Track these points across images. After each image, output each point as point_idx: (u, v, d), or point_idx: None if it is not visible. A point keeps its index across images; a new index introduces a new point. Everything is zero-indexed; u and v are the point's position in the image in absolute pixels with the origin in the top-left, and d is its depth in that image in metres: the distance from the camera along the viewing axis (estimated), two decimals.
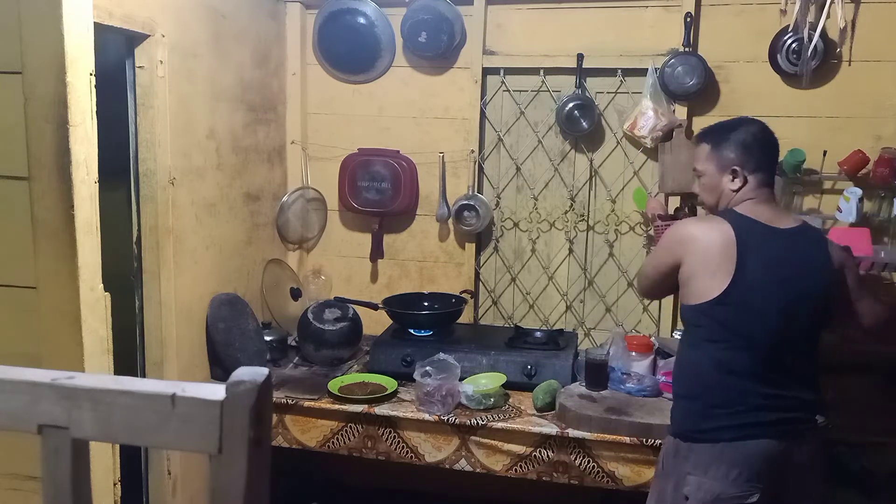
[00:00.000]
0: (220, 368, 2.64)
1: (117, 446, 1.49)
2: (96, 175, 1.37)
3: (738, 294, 1.87)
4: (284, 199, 3.26)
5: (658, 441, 2.28)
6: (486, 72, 3.11)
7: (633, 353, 2.68)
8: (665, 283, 2.06)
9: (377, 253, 3.32)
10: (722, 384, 1.90)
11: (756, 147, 1.99)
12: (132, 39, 2.31)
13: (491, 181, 3.20)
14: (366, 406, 2.51)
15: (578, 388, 2.58)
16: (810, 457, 1.95)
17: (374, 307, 2.92)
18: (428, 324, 2.90)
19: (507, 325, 3.19)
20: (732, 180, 1.98)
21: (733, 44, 2.89)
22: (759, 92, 2.89)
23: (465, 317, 3.12)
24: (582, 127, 3.00)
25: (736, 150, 1.98)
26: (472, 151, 3.13)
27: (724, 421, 1.89)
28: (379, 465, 2.65)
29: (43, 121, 1.29)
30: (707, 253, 1.89)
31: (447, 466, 2.49)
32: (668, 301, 3.04)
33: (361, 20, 3.16)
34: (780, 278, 1.89)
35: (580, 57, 2.97)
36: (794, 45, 2.77)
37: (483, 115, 3.14)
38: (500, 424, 2.41)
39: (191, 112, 2.55)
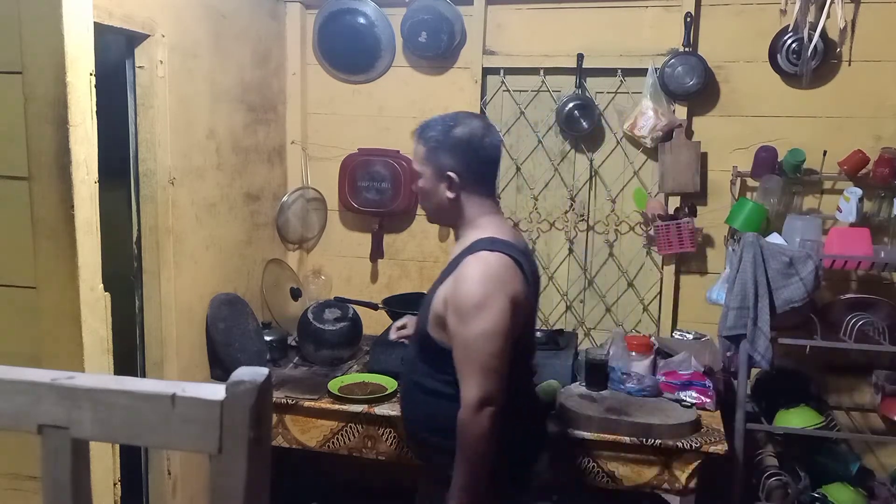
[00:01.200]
0: (220, 368, 2.63)
1: (117, 446, 1.49)
2: (96, 175, 1.37)
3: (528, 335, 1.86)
4: (284, 199, 3.26)
5: (658, 441, 2.29)
6: (486, 72, 3.11)
7: (633, 353, 2.68)
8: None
9: (377, 253, 3.32)
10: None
11: (475, 149, 1.77)
12: (132, 39, 2.31)
13: None
14: (366, 406, 2.51)
15: (578, 388, 2.58)
16: None
17: (374, 307, 2.92)
18: None
19: None
20: (449, 188, 1.78)
21: (733, 44, 2.88)
22: (759, 92, 2.89)
23: None
24: (582, 127, 3.00)
25: (454, 153, 1.76)
26: None
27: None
28: (379, 465, 2.65)
29: (43, 121, 1.29)
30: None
31: None
32: (667, 301, 3.04)
33: (361, 20, 3.16)
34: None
35: (580, 57, 2.97)
36: (794, 45, 2.77)
37: (483, 115, 3.14)
38: None
39: (191, 112, 2.55)
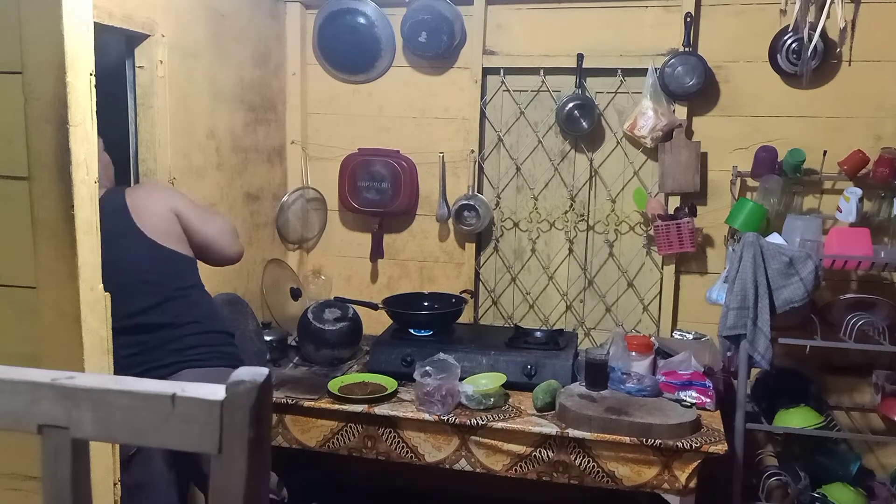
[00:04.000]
0: None
1: (117, 446, 1.49)
2: (96, 175, 1.37)
3: None
4: (284, 199, 3.27)
5: (658, 441, 2.29)
6: (486, 72, 3.11)
7: (633, 353, 2.68)
8: None
9: (377, 253, 3.32)
10: None
11: None
12: (132, 39, 2.32)
13: (491, 181, 3.20)
14: (366, 406, 2.51)
15: (578, 388, 2.58)
16: None
17: (374, 307, 2.92)
18: (428, 324, 2.90)
19: (507, 325, 3.19)
20: None
21: (733, 44, 2.89)
22: (759, 92, 2.89)
23: (465, 317, 3.12)
24: (582, 127, 3.00)
25: None
26: (472, 151, 3.13)
27: None
28: (379, 465, 2.65)
29: (43, 121, 1.29)
30: None
31: (447, 466, 2.49)
32: (667, 301, 3.04)
33: (361, 20, 3.16)
34: None
35: (580, 57, 2.97)
36: (794, 45, 2.77)
37: (483, 115, 3.14)
38: (500, 424, 2.41)
39: (191, 112, 2.55)
